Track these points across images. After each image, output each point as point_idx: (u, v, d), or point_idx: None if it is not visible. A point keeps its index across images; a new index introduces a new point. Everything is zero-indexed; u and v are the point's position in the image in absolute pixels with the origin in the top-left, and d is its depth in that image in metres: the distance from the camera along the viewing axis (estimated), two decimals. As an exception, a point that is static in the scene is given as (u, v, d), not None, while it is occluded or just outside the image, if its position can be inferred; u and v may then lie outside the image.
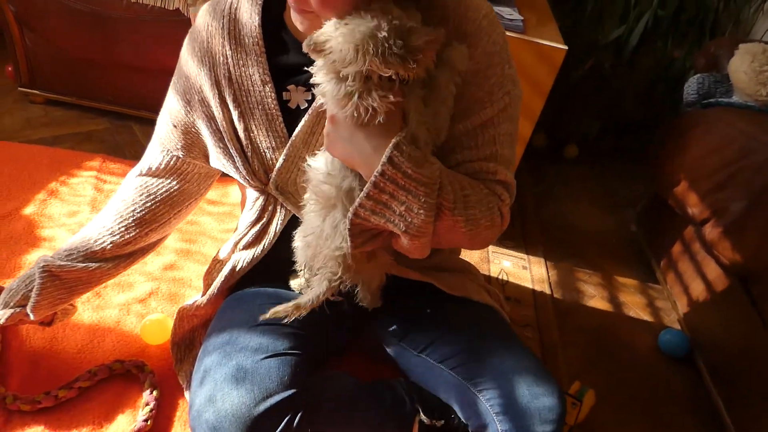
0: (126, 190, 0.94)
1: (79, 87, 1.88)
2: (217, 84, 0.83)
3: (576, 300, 1.52)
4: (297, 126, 0.82)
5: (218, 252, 1.03)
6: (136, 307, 1.17)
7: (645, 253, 1.72)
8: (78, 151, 1.69)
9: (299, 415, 0.75)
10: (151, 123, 1.97)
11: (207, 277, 1.04)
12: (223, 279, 0.95)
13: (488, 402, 0.80)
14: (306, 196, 0.78)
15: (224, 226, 1.49)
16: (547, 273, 1.58)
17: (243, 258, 0.93)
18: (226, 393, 0.74)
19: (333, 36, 0.63)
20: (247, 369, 0.77)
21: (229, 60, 0.82)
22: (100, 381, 0.98)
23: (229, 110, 0.84)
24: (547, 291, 1.51)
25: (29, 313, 0.87)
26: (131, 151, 1.77)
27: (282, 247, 0.87)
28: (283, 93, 0.83)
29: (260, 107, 0.82)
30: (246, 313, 0.89)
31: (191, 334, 1.06)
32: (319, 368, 0.88)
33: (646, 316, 1.51)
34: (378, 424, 0.90)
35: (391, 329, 0.97)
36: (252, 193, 0.93)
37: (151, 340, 1.08)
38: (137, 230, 0.92)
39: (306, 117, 0.81)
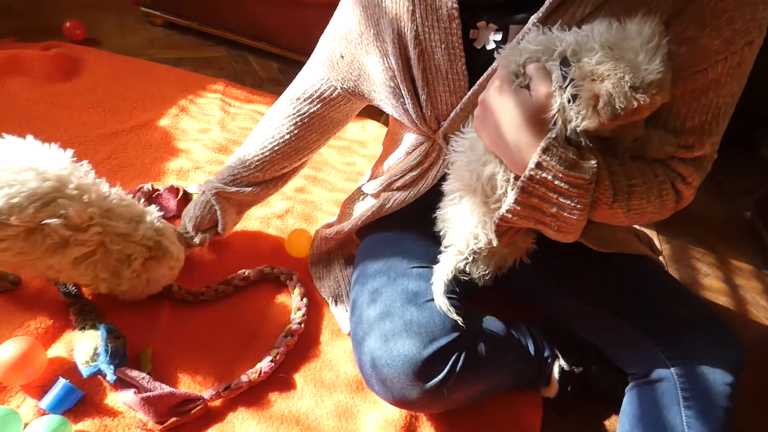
0: (279, 116, 0.95)
1: (201, 12, 1.91)
2: (396, 18, 0.75)
3: (690, 276, 1.47)
4: (480, 68, 0.73)
5: (364, 184, 1.03)
6: (275, 221, 1.20)
7: (762, 241, 1.65)
8: (201, 74, 1.73)
9: (463, 355, 0.76)
10: (266, 55, 2.00)
11: (348, 204, 1.06)
12: (370, 213, 0.94)
13: (659, 347, 0.79)
14: (449, 171, 0.75)
15: (344, 159, 1.51)
16: (660, 246, 1.54)
17: (395, 198, 0.92)
18: (398, 333, 0.76)
19: None
20: (413, 312, 0.78)
21: None
22: (252, 283, 1.02)
23: (406, 47, 0.76)
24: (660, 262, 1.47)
25: (221, 232, 1.01)
26: (249, 80, 1.80)
27: (432, 193, 0.85)
28: (471, 31, 0.73)
29: (443, 46, 0.73)
30: (399, 255, 0.89)
31: (328, 255, 1.08)
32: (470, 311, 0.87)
33: (763, 302, 1.45)
34: (521, 367, 0.91)
35: (539, 273, 0.96)
36: (411, 136, 0.88)
37: (295, 253, 1.11)
38: (292, 156, 0.96)
39: (494, 64, 0.71)
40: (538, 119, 0.60)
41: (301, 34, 1.85)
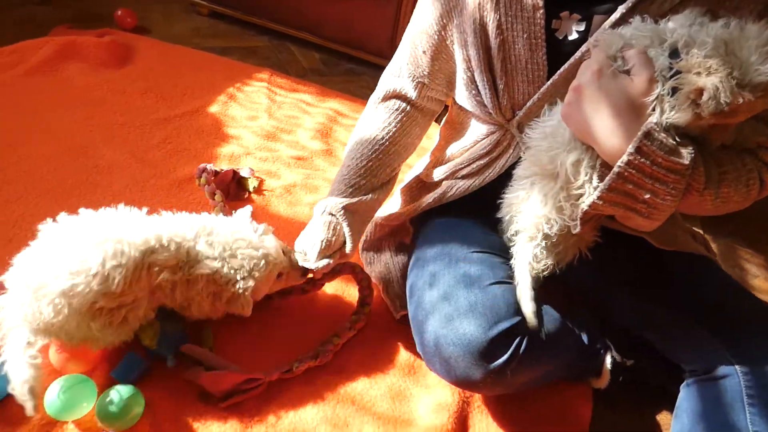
0: (381, 117, 0.94)
1: (245, 2, 1.94)
2: (479, 8, 0.75)
3: (739, 276, 1.44)
4: (559, 59, 0.73)
5: (424, 172, 1.04)
6: (323, 208, 1.22)
7: (813, 242, 1.60)
8: (246, 63, 1.76)
9: (526, 339, 0.77)
10: (308, 45, 2.02)
11: (405, 192, 1.07)
12: (431, 200, 0.96)
13: (724, 345, 0.77)
14: (523, 157, 0.75)
15: (388, 150, 1.52)
16: (706, 245, 1.51)
17: (458, 186, 0.92)
18: (462, 314, 0.76)
19: None
20: (477, 294, 0.78)
21: None
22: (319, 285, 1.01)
23: (487, 37, 0.76)
24: (708, 262, 1.45)
25: (348, 252, 0.89)
26: (293, 69, 1.82)
27: (496, 182, 0.86)
28: (553, 21, 0.73)
29: (525, 35, 0.73)
30: (457, 240, 0.90)
31: (379, 242, 1.10)
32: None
33: (814, 305, 1.42)
34: (575, 356, 0.91)
35: (596, 271, 0.95)
36: (481, 125, 0.88)
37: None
38: (401, 153, 0.95)
39: (577, 54, 0.72)
40: (637, 104, 0.60)
41: (344, 25, 1.86)
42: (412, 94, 0.90)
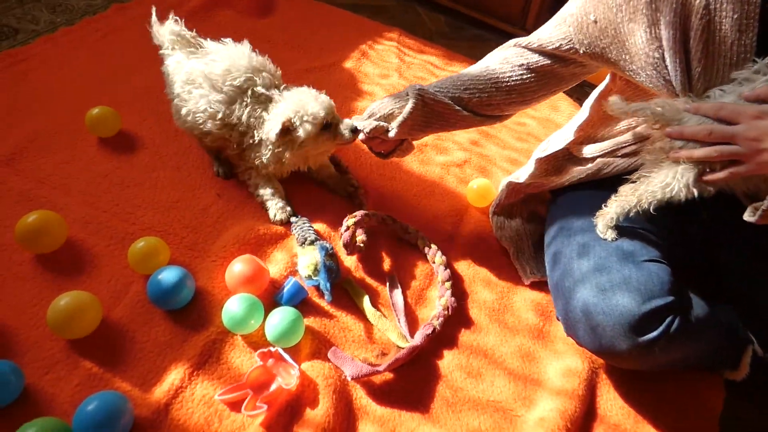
0: (506, 56, 0.92)
1: (379, -40, 1.95)
2: None
3: None
4: (766, 42, 0.69)
5: (574, 147, 1.03)
6: (454, 170, 1.25)
7: None
8: (376, 21, 1.79)
9: (678, 319, 0.76)
10: (435, 7, 2.01)
11: (550, 162, 1.06)
12: (583, 176, 0.96)
13: None
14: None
15: (515, 119, 1.50)
16: None
17: (616, 164, 0.92)
18: (616, 286, 0.78)
19: None
20: (632, 269, 0.79)
21: None
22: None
23: (688, 18, 0.73)
24: None
25: (394, 128, 0.91)
26: (420, 31, 1.83)
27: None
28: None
29: (735, 16, 0.70)
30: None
31: (510, 208, 1.11)
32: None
33: None
34: (717, 345, 0.89)
35: (750, 255, 0.92)
36: None
37: (475, 203, 1.15)
38: (504, 97, 0.92)
39: None
40: None
41: (474, -12, 1.83)
42: (558, 53, 0.86)
